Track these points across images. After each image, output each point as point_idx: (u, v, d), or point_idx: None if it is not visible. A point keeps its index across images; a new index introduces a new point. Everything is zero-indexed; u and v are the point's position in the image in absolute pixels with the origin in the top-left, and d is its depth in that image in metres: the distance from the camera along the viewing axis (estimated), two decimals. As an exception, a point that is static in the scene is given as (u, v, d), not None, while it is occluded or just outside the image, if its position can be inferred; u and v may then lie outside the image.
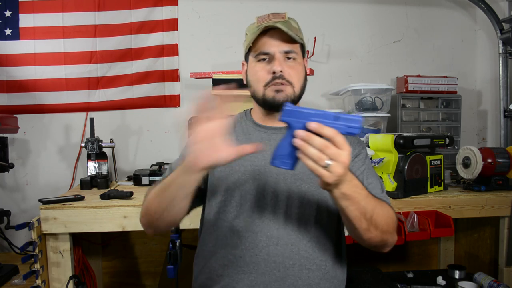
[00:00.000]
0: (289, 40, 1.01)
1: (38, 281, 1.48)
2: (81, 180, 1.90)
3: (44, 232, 1.52)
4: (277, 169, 0.98)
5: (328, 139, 0.73)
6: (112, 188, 1.89)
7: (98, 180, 1.88)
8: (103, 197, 1.62)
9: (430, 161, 1.79)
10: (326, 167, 0.72)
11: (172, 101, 2.28)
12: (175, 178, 0.86)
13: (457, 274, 1.96)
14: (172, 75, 2.26)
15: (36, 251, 1.48)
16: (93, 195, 1.71)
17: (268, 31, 1.01)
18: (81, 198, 1.62)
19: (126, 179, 2.12)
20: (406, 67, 2.42)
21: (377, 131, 2.07)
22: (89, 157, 1.95)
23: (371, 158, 1.73)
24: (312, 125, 0.73)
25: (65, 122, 2.20)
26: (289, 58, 1.02)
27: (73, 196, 1.61)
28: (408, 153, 1.70)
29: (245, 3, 2.30)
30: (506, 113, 2.30)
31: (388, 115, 2.09)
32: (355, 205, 0.81)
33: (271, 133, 1.07)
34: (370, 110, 2.08)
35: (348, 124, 0.76)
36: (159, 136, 2.27)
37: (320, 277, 1.00)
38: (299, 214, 1.00)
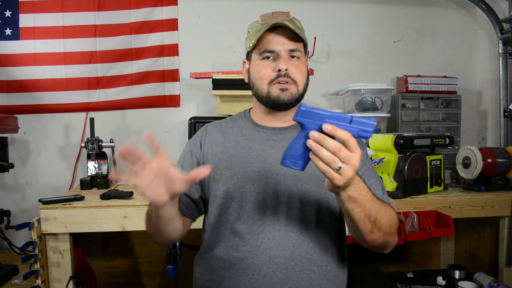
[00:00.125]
0: (294, 38, 1.01)
1: (38, 281, 1.48)
2: (81, 180, 1.90)
3: (44, 232, 1.52)
4: (277, 170, 0.99)
5: (341, 141, 0.73)
6: (112, 188, 1.89)
7: (98, 180, 1.88)
8: (103, 197, 1.62)
9: (430, 161, 1.79)
10: (337, 170, 0.72)
11: (172, 101, 2.28)
12: (151, 210, 0.93)
13: (457, 274, 1.96)
14: (172, 75, 2.26)
15: (36, 251, 1.48)
16: (93, 195, 1.71)
17: (273, 29, 1.00)
18: (81, 198, 1.62)
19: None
20: (406, 67, 2.43)
21: (377, 131, 2.07)
22: (89, 157, 1.95)
23: (371, 158, 1.73)
24: (327, 127, 0.73)
25: (65, 122, 2.20)
26: (293, 57, 1.02)
27: (73, 196, 1.61)
28: (408, 153, 1.70)
29: (245, 3, 2.30)
30: (506, 113, 2.30)
31: (388, 115, 2.09)
32: (360, 207, 0.81)
33: (270, 133, 1.07)
34: (370, 110, 2.08)
35: (362, 127, 0.76)
36: (159, 136, 2.27)
37: (321, 278, 1.00)
38: (300, 215, 1.00)
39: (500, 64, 2.32)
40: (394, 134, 1.70)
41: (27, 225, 1.48)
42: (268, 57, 1.02)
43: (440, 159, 1.83)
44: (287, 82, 1.01)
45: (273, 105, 1.04)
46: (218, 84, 1.92)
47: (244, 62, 1.12)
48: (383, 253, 0.98)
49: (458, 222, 2.20)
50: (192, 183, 0.82)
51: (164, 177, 0.79)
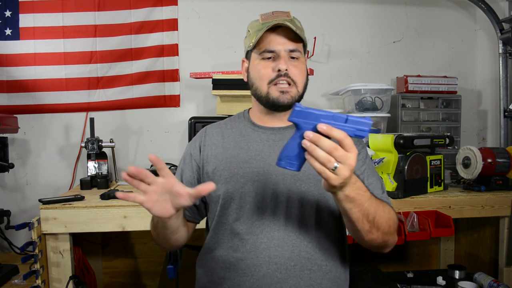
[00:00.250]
0: (295, 39, 1.01)
1: (38, 281, 1.48)
2: (81, 180, 1.90)
3: (44, 232, 1.52)
4: (276, 171, 0.99)
5: (336, 141, 0.73)
6: (112, 188, 1.89)
7: (98, 180, 1.88)
8: (103, 197, 1.62)
9: (430, 161, 1.79)
10: (333, 169, 0.72)
11: (172, 101, 2.28)
12: (157, 221, 0.96)
13: (457, 274, 1.96)
14: (172, 75, 2.26)
15: (36, 251, 1.48)
16: (93, 195, 1.71)
17: (274, 29, 1.00)
18: (81, 198, 1.62)
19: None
20: (406, 67, 2.43)
21: (377, 131, 2.07)
22: (89, 157, 1.95)
23: (371, 158, 1.73)
24: (322, 126, 0.73)
25: (65, 122, 2.20)
26: (293, 58, 1.02)
27: (73, 196, 1.61)
28: (408, 153, 1.70)
29: (245, 3, 2.30)
30: (506, 113, 2.30)
31: (388, 115, 2.09)
32: (358, 207, 0.81)
33: (269, 133, 1.07)
34: (370, 110, 2.08)
35: (358, 126, 0.75)
36: (159, 136, 2.28)
37: (321, 277, 1.00)
38: (300, 215, 1.00)
39: (500, 64, 2.32)
40: (394, 134, 1.70)
41: (27, 225, 1.48)
42: (268, 57, 1.02)
43: (440, 159, 1.83)
44: (288, 83, 1.01)
45: (272, 106, 1.04)
46: (218, 84, 1.92)
47: (243, 61, 1.12)
48: (383, 253, 0.97)
49: (458, 222, 2.20)
50: (197, 197, 0.84)
51: (170, 192, 0.83)
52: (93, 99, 2.20)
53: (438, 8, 2.48)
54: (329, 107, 2.38)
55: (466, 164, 1.86)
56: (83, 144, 1.93)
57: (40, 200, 1.56)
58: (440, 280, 1.90)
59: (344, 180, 0.73)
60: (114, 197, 1.62)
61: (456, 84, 2.25)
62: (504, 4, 2.40)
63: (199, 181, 1.09)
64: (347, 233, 1.09)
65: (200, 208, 1.11)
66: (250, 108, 1.15)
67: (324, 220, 1.01)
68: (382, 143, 1.73)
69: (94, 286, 1.95)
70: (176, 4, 2.25)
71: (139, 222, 1.55)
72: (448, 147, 1.99)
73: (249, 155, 1.04)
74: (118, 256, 2.23)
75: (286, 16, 1.02)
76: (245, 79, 1.11)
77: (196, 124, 1.89)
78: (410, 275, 1.97)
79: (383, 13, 2.43)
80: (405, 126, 2.22)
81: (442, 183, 1.85)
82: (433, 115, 2.33)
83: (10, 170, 1.80)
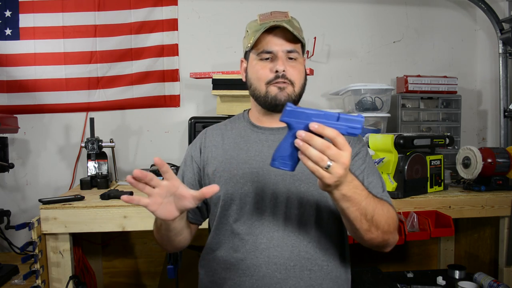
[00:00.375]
0: (292, 39, 1.01)
1: (38, 281, 1.48)
2: (81, 180, 1.90)
3: (44, 232, 1.52)
4: (276, 171, 0.99)
5: (329, 139, 0.72)
6: (112, 188, 1.89)
7: (98, 180, 1.88)
8: (103, 197, 1.62)
9: (430, 161, 1.79)
10: (326, 168, 0.72)
11: (172, 101, 2.28)
12: (161, 224, 0.96)
13: (457, 274, 1.96)
14: (172, 75, 2.26)
15: (36, 251, 1.48)
16: (93, 195, 1.71)
17: (272, 30, 1.00)
18: (81, 198, 1.62)
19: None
20: (406, 67, 2.43)
21: (377, 131, 2.07)
22: (89, 157, 1.95)
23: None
24: (314, 125, 0.73)
25: (65, 122, 2.20)
26: (291, 58, 1.02)
27: (73, 196, 1.61)
28: (408, 153, 1.70)
29: (245, 3, 2.30)
30: (506, 113, 2.30)
31: (388, 115, 2.09)
32: (355, 206, 0.81)
33: (268, 133, 1.07)
34: (370, 110, 2.08)
35: (350, 124, 0.75)
36: (159, 136, 2.28)
37: (322, 278, 1.00)
38: (299, 215, 1.00)
39: (500, 64, 2.32)
40: (394, 134, 1.70)
41: (27, 225, 1.48)
42: (266, 58, 1.02)
43: (440, 159, 1.83)
44: (284, 83, 1.01)
45: (270, 106, 1.04)
46: (218, 84, 1.92)
47: (241, 61, 1.13)
48: (384, 252, 0.97)
49: (458, 222, 2.20)
50: (201, 199, 0.84)
51: (174, 195, 0.84)
52: (93, 99, 2.20)
53: (438, 8, 2.48)
54: (329, 107, 2.38)
55: (466, 164, 1.86)
56: (83, 144, 1.93)
57: (40, 200, 1.56)
58: (440, 280, 1.90)
59: (338, 178, 0.73)
60: (114, 197, 1.62)
61: (456, 84, 2.25)
62: (504, 4, 2.40)
63: (200, 182, 1.10)
64: (348, 233, 1.09)
65: (202, 209, 1.12)
66: (250, 109, 1.16)
67: (324, 220, 1.01)
68: (382, 143, 1.73)
69: (94, 286, 1.95)
70: (176, 4, 2.25)
71: (139, 222, 1.55)
72: (448, 147, 1.99)
73: (249, 156, 1.04)
74: (118, 256, 2.23)
75: (284, 16, 1.02)
76: (244, 79, 1.12)
77: (196, 124, 1.89)
78: (410, 275, 1.97)
79: (383, 13, 2.43)
80: (405, 126, 2.22)
81: (442, 183, 1.85)
82: (433, 115, 2.33)
83: (10, 170, 1.80)
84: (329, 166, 0.72)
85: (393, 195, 1.68)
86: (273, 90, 1.02)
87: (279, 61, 1.00)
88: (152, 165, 2.06)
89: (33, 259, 1.48)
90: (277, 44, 1.01)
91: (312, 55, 2.26)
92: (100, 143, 1.93)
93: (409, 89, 2.19)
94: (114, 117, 2.24)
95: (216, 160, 1.07)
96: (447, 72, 2.35)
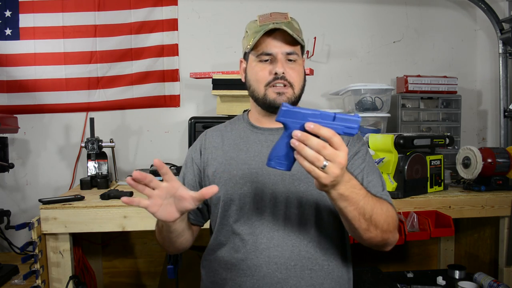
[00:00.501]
0: (292, 42, 1.01)
1: (38, 281, 1.48)
2: (81, 180, 1.90)
3: (44, 232, 1.52)
4: (275, 171, 0.99)
5: (325, 139, 0.72)
6: (112, 188, 1.89)
7: (98, 180, 1.88)
8: (103, 197, 1.62)
9: (430, 161, 1.79)
10: (322, 168, 0.72)
11: (172, 101, 2.28)
12: (162, 225, 0.96)
13: (457, 274, 1.96)
14: (172, 75, 2.26)
15: (36, 251, 1.48)
16: (93, 195, 1.71)
17: (271, 32, 1.00)
18: (81, 198, 1.62)
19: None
20: (406, 67, 2.43)
21: (377, 131, 2.07)
22: (89, 157, 1.95)
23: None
24: (309, 125, 0.73)
25: (65, 122, 2.20)
26: (290, 60, 1.02)
27: (73, 196, 1.61)
28: (408, 153, 1.70)
29: (245, 3, 2.30)
30: (506, 113, 2.30)
31: (388, 115, 2.09)
32: (353, 205, 0.81)
33: (268, 134, 1.07)
34: (370, 110, 2.08)
35: (346, 124, 0.75)
36: (159, 136, 2.28)
37: (323, 277, 1.00)
38: (299, 215, 1.00)
39: (500, 64, 2.32)
40: (394, 134, 1.70)
41: (27, 225, 1.48)
42: (265, 60, 1.02)
43: (440, 159, 1.83)
44: (284, 85, 1.01)
45: (269, 108, 1.04)
46: (218, 84, 1.92)
47: (241, 61, 1.13)
48: (384, 251, 0.97)
49: (458, 222, 2.20)
50: (201, 201, 0.85)
51: (174, 196, 0.85)
52: (93, 99, 2.20)
53: (438, 8, 2.48)
54: (329, 107, 2.38)
55: (466, 164, 1.86)
56: (83, 144, 1.93)
57: (40, 200, 1.56)
58: (440, 280, 1.90)
59: (334, 178, 0.73)
60: (114, 197, 1.62)
61: (456, 84, 2.25)
62: (504, 4, 2.40)
63: (201, 184, 1.10)
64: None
65: (203, 211, 1.12)
66: (250, 110, 1.16)
67: (324, 220, 1.01)
68: (382, 143, 1.73)
69: (94, 286, 1.95)
70: (176, 4, 2.25)
71: (139, 222, 1.55)
72: (448, 147, 1.99)
73: (248, 156, 1.05)
74: (118, 256, 2.23)
75: (284, 18, 1.02)
76: (243, 80, 1.12)
77: (196, 124, 1.89)
78: (410, 275, 1.97)
79: (383, 13, 2.43)
80: (405, 126, 2.22)
81: (442, 183, 1.85)
82: (433, 115, 2.33)
83: (10, 170, 1.80)
84: (325, 166, 0.71)
85: (393, 195, 1.68)
86: (272, 94, 1.02)
87: (279, 64, 1.00)
88: (152, 165, 2.06)
89: (33, 259, 1.48)
90: (276, 46, 1.01)
91: (312, 55, 2.26)
92: (100, 143, 1.93)
93: (409, 89, 2.19)
94: (114, 117, 2.24)
95: (216, 161, 1.08)
96: (447, 72, 2.35)
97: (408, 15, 2.46)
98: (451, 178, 2.11)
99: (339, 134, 0.74)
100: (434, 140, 1.78)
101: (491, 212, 1.78)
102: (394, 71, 2.39)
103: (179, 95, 2.28)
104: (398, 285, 1.83)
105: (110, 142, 1.98)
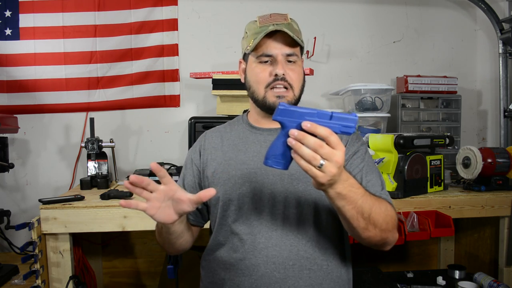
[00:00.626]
0: (292, 43, 1.01)
1: (38, 281, 1.49)
2: (81, 180, 1.90)
3: (44, 232, 1.52)
4: (273, 170, 0.99)
5: (322, 138, 0.72)
6: (112, 188, 1.89)
7: (98, 180, 1.88)
8: (103, 197, 1.62)
9: (430, 161, 1.79)
10: (319, 167, 0.72)
11: (172, 101, 2.28)
12: (161, 227, 0.97)
13: (457, 274, 1.96)
14: (172, 75, 2.26)
15: (36, 251, 1.48)
16: (93, 195, 1.71)
17: (271, 33, 1.00)
18: (81, 198, 1.62)
19: (126, 179, 2.12)
20: (406, 67, 2.43)
21: (377, 131, 2.07)
22: (89, 157, 1.95)
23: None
24: (306, 124, 0.73)
25: (65, 122, 2.20)
26: (290, 61, 1.02)
27: (73, 196, 1.61)
28: (408, 153, 1.70)
29: (245, 3, 2.30)
30: (506, 113, 2.30)
31: (388, 115, 2.09)
32: (351, 204, 0.81)
33: (266, 134, 1.07)
34: (370, 110, 2.08)
35: (343, 123, 0.75)
36: (159, 136, 2.28)
37: (322, 277, 1.00)
38: (297, 214, 1.00)
39: (500, 64, 2.32)
40: (394, 134, 1.70)
41: (27, 225, 1.48)
42: (265, 61, 1.02)
43: (440, 159, 1.83)
44: (285, 88, 1.01)
45: (268, 110, 1.04)
46: (218, 84, 1.92)
47: (240, 62, 1.13)
48: (384, 250, 0.97)
49: (458, 222, 2.20)
50: (198, 203, 0.85)
51: (172, 199, 0.85)
52: (93, 99, 2.20)
53: (438, 8, 2.48)
54: (329, 107, 2.38)
55: (466, 164, 1.86)
56: (83, 144, 1.93)
57: (40, 200, 1.56)
58: (440, 280, 1.90)
59: (331, 177, 0.73)
60: (114, 197, 1.62)
61: (456, 84, 2.25)
62: (504, 4, 2.40)
63: (200, 185, 1.11)
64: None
65: (203, 211, 1.12)
66: (249, 111, 1.16)
67: (323, 220, 1.01)
68: (382, 143, 1.73)
69: (94, 286, 1.95)
70: (176, 4, 2.25)
71: (139, 222, 1.55)
72: (448, 147, 1.99)
73: (247, 157, 1.05)
74: (118, 256, 2.23)
75: (283, 19, 1.02)
76: (242, 80, 1.12)
77: (196, 124, 1.89)
78: (410, 275, 1.97)
79: (383, 13, 2.43)
80: (405, 126, 2.22)
81: (442, 183, 1.85)
82: (433, 115, 2.33)
83: (10, 170, 1.80)
84: (322, 165, 0.71)
85: (393, 195, 1.68)
86: (272, 97, 1.02)
87: (279, 65, 1.00)
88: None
89: (33, 259, 1.48)
90: (276, 48, 1.01)
91: (312, 55, 2.26)
92: (100, 143, 1.93)
93: (409, 89, 2.19)
94: (114, 117, 2.24)
95: (215, 162, 1.08)
96: (447, 72, 2.35)
97: (408, 15, 2.46)
98: (451, 178, 2.11)
99: (336, 133, 0.74)
100: (434, 140, 1.78)
101: (491, 212, 1.78)
102: (394, 71, 2.39)
103: (179, 95, 2.28)
104: (398, 285, 1.83)
105: (110, 142, 1.98)
